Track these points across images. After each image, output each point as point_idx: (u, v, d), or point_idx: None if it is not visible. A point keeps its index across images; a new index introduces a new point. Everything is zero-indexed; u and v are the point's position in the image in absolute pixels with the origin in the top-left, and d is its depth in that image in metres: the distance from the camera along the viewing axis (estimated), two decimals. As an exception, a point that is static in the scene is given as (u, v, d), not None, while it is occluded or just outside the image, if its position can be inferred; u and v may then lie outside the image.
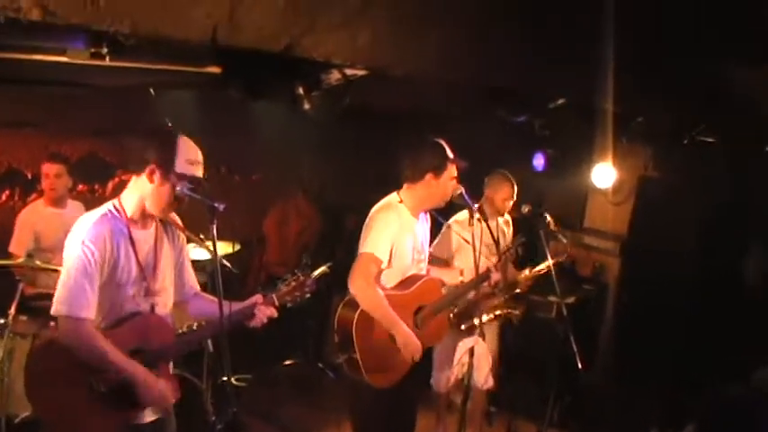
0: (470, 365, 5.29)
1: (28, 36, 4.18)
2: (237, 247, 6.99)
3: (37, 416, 5.44)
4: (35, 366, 3.75)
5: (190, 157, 3.78)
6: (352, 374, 4.90)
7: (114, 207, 3.80)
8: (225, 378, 5.96)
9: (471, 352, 5.34)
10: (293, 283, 4.27)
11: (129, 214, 3.78)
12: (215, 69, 5.14)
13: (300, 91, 5.45)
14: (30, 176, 6.90)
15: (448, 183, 5.07)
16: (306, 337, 8.03)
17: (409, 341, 4.92)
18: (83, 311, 3.56)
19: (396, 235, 4.97)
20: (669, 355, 7.54)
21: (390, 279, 5.08)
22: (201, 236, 5.85)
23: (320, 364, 8.02)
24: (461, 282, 5.46)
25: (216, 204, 3.83)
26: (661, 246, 7.96)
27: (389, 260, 4.98)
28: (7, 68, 4.98)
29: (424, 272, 5.29)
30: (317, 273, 4.41)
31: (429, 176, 5.03)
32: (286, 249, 8.60)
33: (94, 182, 7.38)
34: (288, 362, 7.95)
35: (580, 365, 5.26)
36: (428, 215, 5.34)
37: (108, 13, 3.53)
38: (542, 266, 6.04)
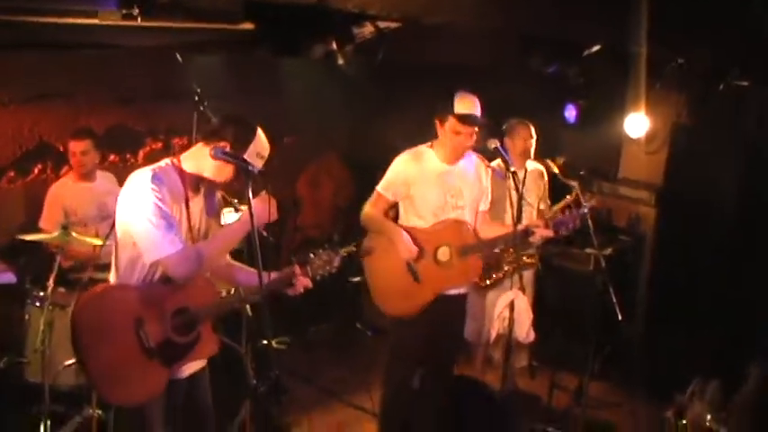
0: (511, 320, 5.32)
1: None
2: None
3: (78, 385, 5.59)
4: (82, 318, 3.79)
5: (260, 150, 3.92)
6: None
7: (174, 165, 3.86)
8: (265, 341, 5.99)
9: (512, 306, 5.38)
10: (323, 257, 4.33)
11: (187, 178, 3.85)
12: (248, 26, 5.09)
13: (333, 46, 5.42)
14: (61, 149, 6.87)
15: (452, 134, 5.14)
16: (343, 299, 8.02)
17: (402, 241, 5.19)
18: (174, 246, 3.68)
19: (412, 177, 5.23)
20: (709, 304, 7.47)
21: (420, 220, 5.32)
22: (235, 200, 5.85)
23: (358, 325, 8.02)
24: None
25: (251, 167, 3.83)
26: (697, 194, 7.85)
27: (407, 200, 5.32)
28: (33, 34, 4.95)
29: (465, 218, 5.37)
30: (343, 251, 4.45)
31: (437, 123, 5.18)
32: (320, 211, 8.59)
33: (125, 151, 7.34)
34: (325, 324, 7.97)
35: (620, 316, 5.25)
36: (482, 167, 5.45)
37: None
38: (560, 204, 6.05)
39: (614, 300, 5.25)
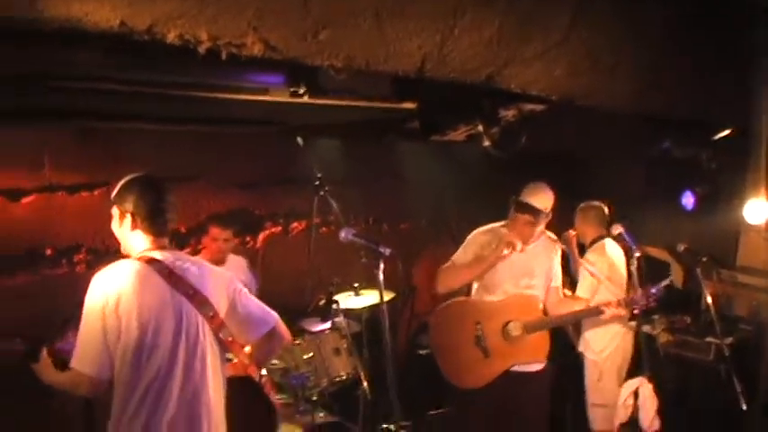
0: (635, 407, 5.25)
1: (222, 74, 4.27)
2: (392, 295, 6.95)
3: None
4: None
5: None
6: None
7: None
8: (384, 425, 5.94)
9: (636, 393, 5.31)
10: None
11: None
12: (409, 105, 5.20)
13: (480, 128, 5.49)
14: (184, 231, 6.97)
15: (512, 219, 5.44)
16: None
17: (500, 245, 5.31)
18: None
19: (482, 251, 5.44)
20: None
21: (491, 297, 5.52)
22: (356, 284, 5.87)
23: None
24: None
25: (382, 249, 3.86)
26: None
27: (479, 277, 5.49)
28: (197, 109, 5.07)
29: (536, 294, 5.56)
30: None
31: (511, 209, 5.43)
32: (437, 297, 8.50)
33: (245, 234, 7.43)
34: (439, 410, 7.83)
35: (744, 406, 5.13)
36: (553, 245, 5.70)
37: (326, 47, 3.59)
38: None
39: (738, 389, 5.15)
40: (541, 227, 5.48)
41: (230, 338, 3.64)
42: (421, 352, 7.40)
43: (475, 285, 5.58)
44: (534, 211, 5.30)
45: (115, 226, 3.70)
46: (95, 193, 6.84)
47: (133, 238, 3.64)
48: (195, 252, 6.55)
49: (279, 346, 3.95)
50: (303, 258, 6.85)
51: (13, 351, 3.70)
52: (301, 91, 4.68)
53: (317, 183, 5.73)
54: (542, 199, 5.36)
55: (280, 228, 7.77)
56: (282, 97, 4.82)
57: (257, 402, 4.09)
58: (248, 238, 7.51)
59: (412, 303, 8.55)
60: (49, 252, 6.78)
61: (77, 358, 3.44)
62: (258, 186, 7.60)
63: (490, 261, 5.38)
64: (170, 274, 3.51)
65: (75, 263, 6.83)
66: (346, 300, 5.97)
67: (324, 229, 7.59)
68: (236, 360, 3.87)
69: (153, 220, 3.62)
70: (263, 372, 4.08)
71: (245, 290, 3.88)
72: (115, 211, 3.68)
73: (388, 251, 4.00)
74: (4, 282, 6.39)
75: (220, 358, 3.69)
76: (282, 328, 3.89)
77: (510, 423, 5.44)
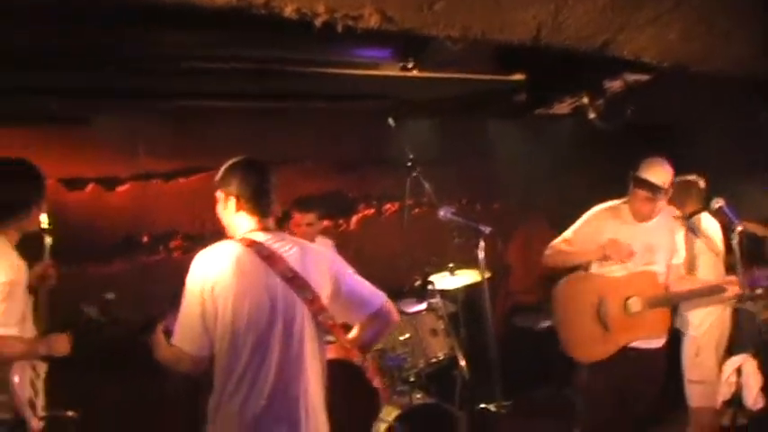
0: (739, 385, 5.15)
1: (331, 49, 4.27)
2: (488, 274, 6.88)
3: None
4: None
5: None
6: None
7: None
8: (483, 405, 5.87)
9: (739, 371, 5.21)
10: None
11: None
12: (519, 77, 5.16)
13: (585, 100, 5.42)
14: (280, 215, 6.98)
15: (632, 195, 5.32)
16: (557, 364, 7.78)
17: (613, 245, 5.24)
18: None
19: (606, 230, 5.36)
20: None
21: (610, 271, 5.41)
22: (451, 264, 5.81)
23: (568, 392, 7.77)
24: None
25: (482, 228, 3.81)
26: None
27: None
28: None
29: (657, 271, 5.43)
30: None
31: (630, 186, 5.32)
32: (531, 277, 8.47)
33: (339, 217, 7.42)
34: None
35: None
36: (676, 222, 5.56)
37: (442, 17, 3.55)
38: None
39: None
40: (662, 203, 5.35)
41: (331, 322, 3.59)
42: (542, 325, 7.28)
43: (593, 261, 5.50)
44: (653, 188, 5.20)
45: (220, 210, 3.73)
46: (191, 179, 6.92)
47: (237, 220, 3.67)
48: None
49: (386, 326, 3.80)
50: (396, 240, 6.85)
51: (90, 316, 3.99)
52: (410, 65, 4.66)
53: (410, 164, 5.70)
54: (660, 174, 5.25)
55: (373, 210, 7.75)
56: (392, 71, 4.81)
57: (359, 386, 4.04)
58: (341, 221, 7.51)
59: (506, 283, 8.50)
60: (145, 239, 6.87)
61: (178, 337, 3.52)
62: (352, 168, 7.62)
63: (597, 256, 5.35)
64: (269, 257, 3.51)
65: (172, 249, 6.91)
66: (442, 280, 5.92)
67: (417, 210, 7.54)
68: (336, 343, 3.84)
69: (257, 202, 3.64)
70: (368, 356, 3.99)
71: (351, 270, 3.82)
72: (220, 194, 3.72)
73: (488, 230, 3.96)
74: (102, 269, 6.48)
75: (319, 342, 3.65)
76: (390, 307, 3.77)
77: (627, 400, 5.37)
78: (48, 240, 4.65)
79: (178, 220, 6.90)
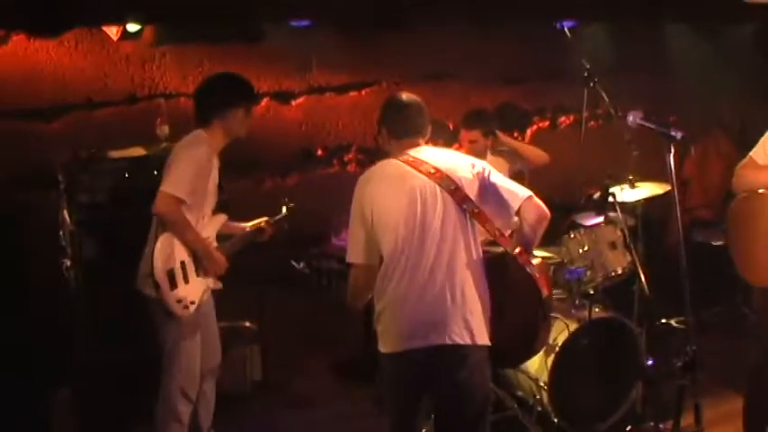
0: None
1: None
2: (667, 188, 6.70)
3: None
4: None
5: None
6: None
7: None
8: (663, 320, 5.71)
9: None
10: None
11: None
12: None
13: None
14: (451, 127, 6.96)
15: None
16: (734, 282, 7.56)
17: None
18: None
19: None
20: None
21: None
22: (630, 176, 5.65)
23: (746, 310, 7.54)
24: None
25: (673, 132, 3.70)
26: None
27: None
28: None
29: None
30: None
31: None
32: (710, 191, 8.25)
33: (513, 129, 7.34)
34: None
35: None
36: None
37: None
38: None
39: None
40: None
41: (477, 210, 3.87)
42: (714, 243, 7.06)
43: None
44: None
45: (383, 143, 4.17)
46: (363, 92, 6.97)
47: (393, 146, 4.09)
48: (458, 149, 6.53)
49: (537, 218, 3.92)
50: (571, 153, 6.71)
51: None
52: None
53: (586, 74, 5.56)
54: None
55: (548, 122, 7.64)
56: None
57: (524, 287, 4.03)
58: (516, 134, 7.41)
59: (683, 198, 8.28)
60: (320, 152, 6.96)
61: (349, 253, 3.98)
62: (525, 81, 7.52)
63: None
64: (413, 162, 3.92)
65: (346, 162, 7.00)
66: (621, 193, 5.77)
67: (592, 123, 7.39)
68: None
69: (402, 129, 4.07)
70: (537, 259, 4.07)
71: (495, 170, 4.05)
72: (381, 130, 4.16)
73: (679, 135, 3.81)
74: (279, 183, 6.61)
75: (469, 229, 3.92)
76: (536, 201, 3.92)
77: None
78: (284, 211, 5.32)
79: (352, 132, 6.98)
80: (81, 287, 5.45)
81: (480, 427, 4.03)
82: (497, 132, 6.46)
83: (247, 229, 5.08)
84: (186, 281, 4.52)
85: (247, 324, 6.31)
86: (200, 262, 4.59)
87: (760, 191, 4.90)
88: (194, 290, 4.58)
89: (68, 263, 5.49)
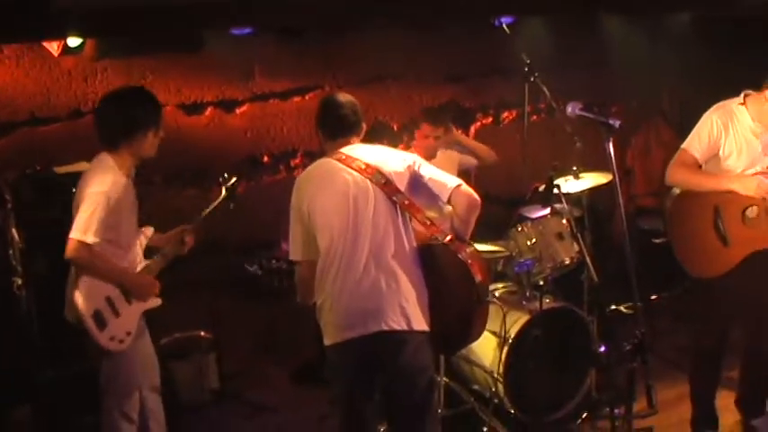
0: None
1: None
2: (609, 177, 6.78)
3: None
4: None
5: None
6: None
7: None
8: (613, 307, 5.80)
9: None
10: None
11: None
12: None
13: None
14: (396, 127, 7.00)
15: (759, 104, 4.83)
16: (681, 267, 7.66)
17: (740, 180, 4.85)
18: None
19: (721, 134, 4.89)
20: None
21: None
22: (574, 167, 5.72)
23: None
24: None
25: (612, 121, 3.81)
26: None
27: (714, 160, 4.97)
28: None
29: None
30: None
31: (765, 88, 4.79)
32: (653, 180, 8.34)
33: (457, 127, 7.39)
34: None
35: None
36: None
37: None
38: None
39: None
40: None
41: (407, 201, 4.03)
42: (655, 240, 7.18)
43: (705, 168, 5.17)
44: None
45: (322, 144, 4.35)
46: (306, 97, 6.99)
47: (327, 146, 4.26)
48: (406, 149, 6.54)
49: (467, 206, 4.08)
50: (515, 148, 6.79)
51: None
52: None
53: (527, 69, 5.65)
54: None
55: (491, 119, 7.71)
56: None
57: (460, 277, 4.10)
58: (460, 131, 7.46)
59: (627, 187, 8.39)
60: (266, 159, 6.97)
61: (291, 251, 4.15)
62: (466, 78, 7.58)
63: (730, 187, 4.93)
64: (345, 159, 4.07)
65: (293, 167, 7.02)
66: (566, 184, 5.83)
67: (534, 117, 7.47)
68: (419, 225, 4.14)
69: (335, 130, 4.23)
70: (473, 247, 4.22)
71: (426, 162, 4.25)
72: (318, 131, 4.34)
73: (617, 123, 3.89)
74: (225, 191, 6.60)
75: (401, 220, 4.07)
76: (465, 189, 4.09)
77: (759, 304, 5.14)
78: (223, 192, 5.33)
79: (297, 137, 6.99)
80: (32, 305, 5.40)
81: (427, 409, 4.16)
82: (452, 127, 6.50)
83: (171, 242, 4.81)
84: (117, 314, 4.36)
85: (202, 333, 6.31)
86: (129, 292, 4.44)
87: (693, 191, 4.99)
88: (128, 320, 4.42)
89: (19, 281, 5.43)
